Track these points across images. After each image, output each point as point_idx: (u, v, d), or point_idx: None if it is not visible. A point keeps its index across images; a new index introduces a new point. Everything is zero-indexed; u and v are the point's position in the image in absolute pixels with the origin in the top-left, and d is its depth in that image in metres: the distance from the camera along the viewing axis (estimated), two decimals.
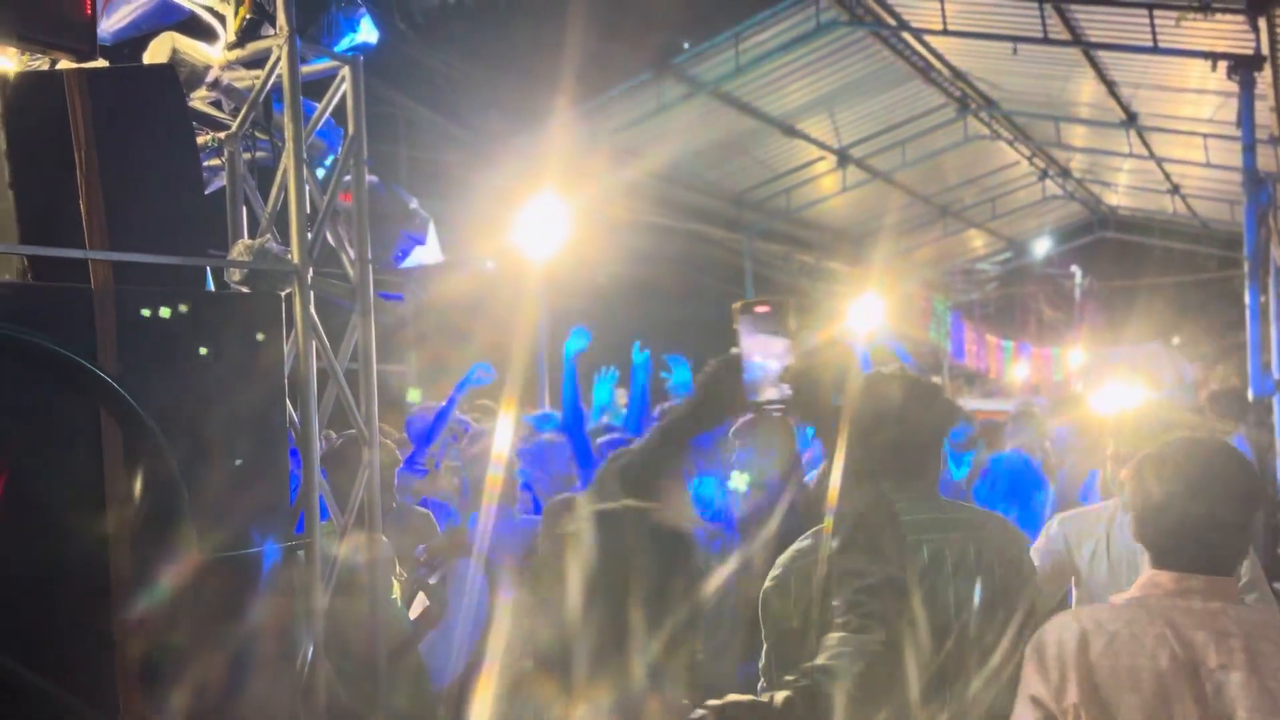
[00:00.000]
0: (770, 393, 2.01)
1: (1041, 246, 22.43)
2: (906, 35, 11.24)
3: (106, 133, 3.03)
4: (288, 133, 3.65)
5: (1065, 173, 17.12)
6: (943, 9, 10.17)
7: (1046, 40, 9.96)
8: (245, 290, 3.55)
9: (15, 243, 2.89)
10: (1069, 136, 14.87)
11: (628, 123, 11.66)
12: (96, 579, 2.85)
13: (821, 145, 13.79)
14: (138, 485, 2.93)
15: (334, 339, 3.96)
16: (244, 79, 3.89)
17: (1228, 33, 8.65)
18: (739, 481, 3.92)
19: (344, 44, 3.87)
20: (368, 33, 3.90)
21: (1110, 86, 11.57)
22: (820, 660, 1.86)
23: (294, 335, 3.67)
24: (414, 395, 11.42)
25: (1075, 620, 2.21)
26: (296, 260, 3.63)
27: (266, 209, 3.83)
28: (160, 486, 2.96)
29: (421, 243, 4.35)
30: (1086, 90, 12.09)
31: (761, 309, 1.98)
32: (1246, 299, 8.51)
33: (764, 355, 1.98)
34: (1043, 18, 9.60)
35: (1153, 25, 9.04)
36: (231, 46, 3.73)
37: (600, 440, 5.75)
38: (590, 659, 1.96)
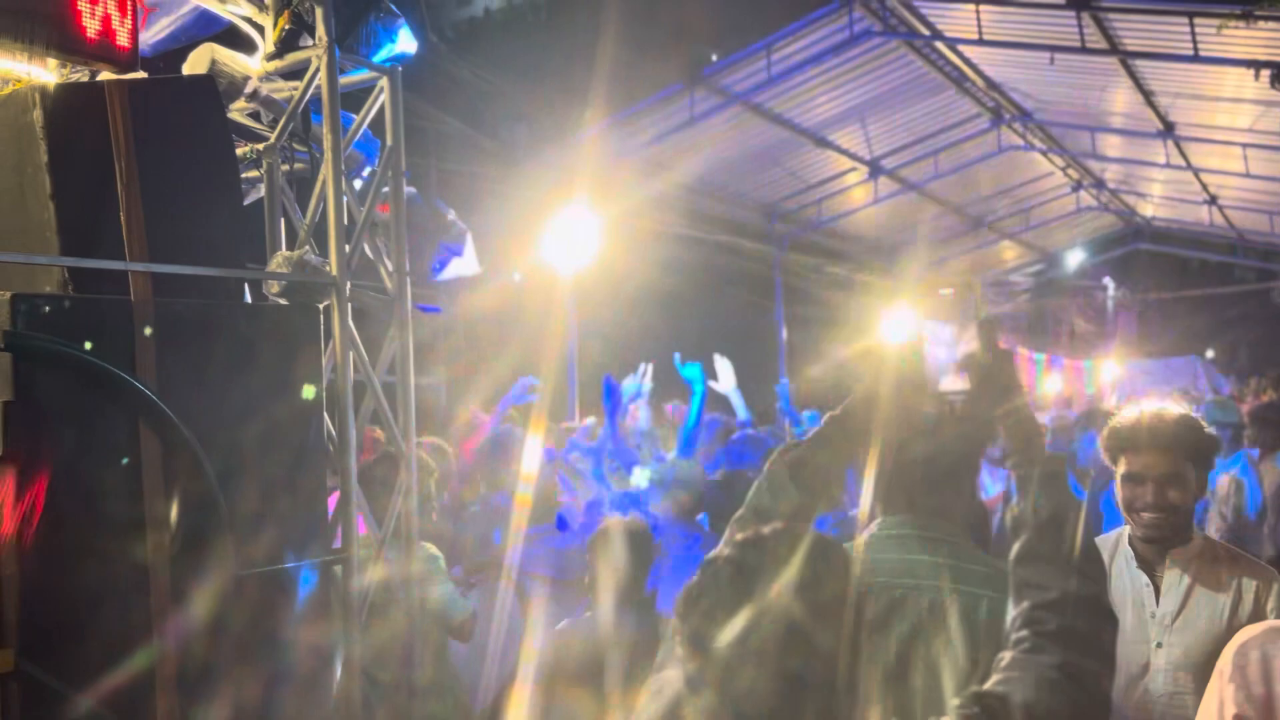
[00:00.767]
0: (951, 383, 1.87)
1: (1075, 258, 22.20)
2: (940, 45, 11.15)
3: (146, 144, 3.01)
4: (326, 144, 3.62)
5: (1100, 184, 16.94)
6: (978, 18, 10.08)
7: (1084, 50, 9.84)
8: (283, 302, 3.53)
9: (56, 254, 2.87)
10: (1104, 147, 14.71)
11: (658, 134, 11.63)
12: (135, 592, 2.82)
13: (853, 156, 13.71)
14: (176, 498, 2.91)
15: (371, 351, 3.93)
16: (282, 90, 3.87)
17: (1271, 40, 8.52)
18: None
19: (382, 54, 3.84)
20: (406, 43, 3.87)
21: (1148, 96, 11.42)
22: (991, 685, 1.65)
23: (331, 347, 3.64)
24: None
25: (1269, 631, 2.05)
26: (335, 272, 3.60)
27: (305, 220, 3.80)
28: (198, 499, 2.93)
29: (459, 254, 4.31)
30: (1123, 100, 11.95)
31: (945, 293, 1.81)
32: None
33: (939, 343, 1.87)
34: (1080, 27, 9.49)
35: (1193, 33, 8.91)
36: (270, 57, 3.71)
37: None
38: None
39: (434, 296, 5.78)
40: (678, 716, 1.66)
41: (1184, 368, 20.51)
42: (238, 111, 3.93)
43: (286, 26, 3.63)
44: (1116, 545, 2.93)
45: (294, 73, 3.79)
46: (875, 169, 14.09)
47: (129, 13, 3.06)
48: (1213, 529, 5.93)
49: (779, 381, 6.62)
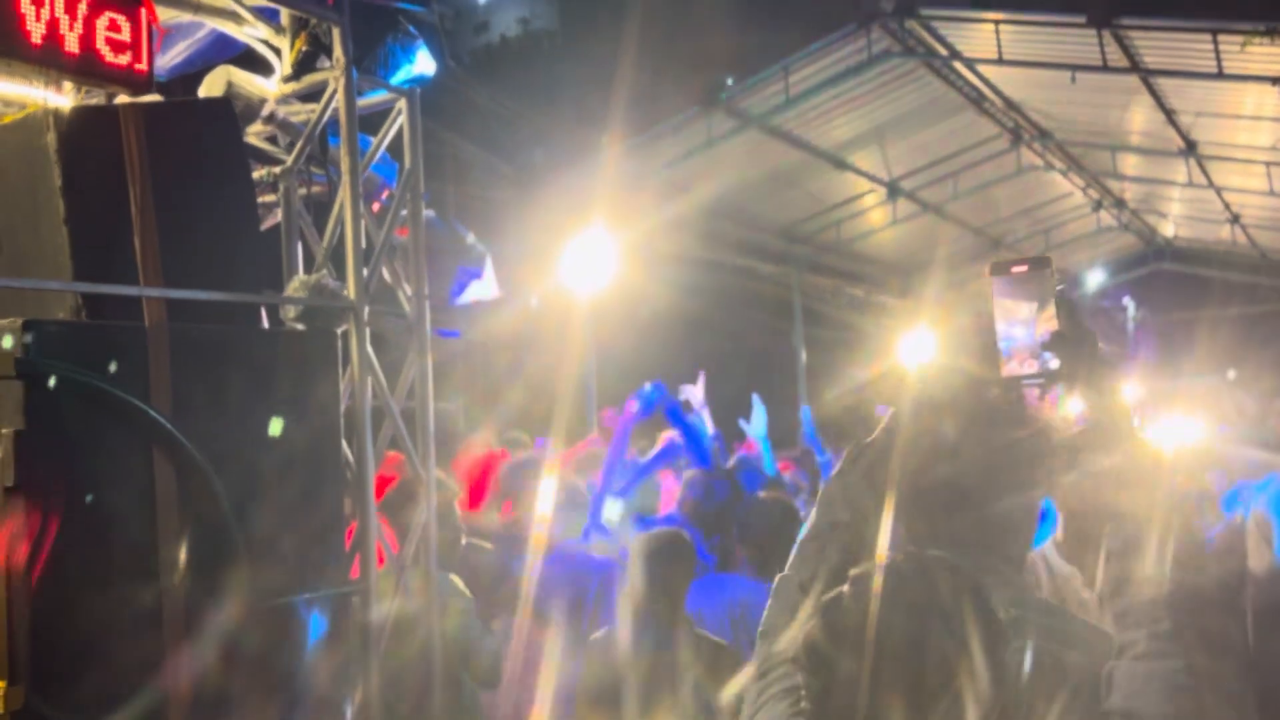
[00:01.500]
0: (1024, 366, 1.67)
1: (1095, 279, 22.03)
2: (959, 65, 11.09)
3: (162, 168, 2.97)
4: (344, 166, 3.57)
5: (1120, 203, 16.82)
6: (997, 38, 10.01)
7: (1105, 69, 9.76)
8: (300, 327, 3.47)
9: (69, 279, 2.82)
10: (1124, 166, 14.59)
11: (676, 157, 11.58)
12: (148, 625, 2.76)
13: (871, 178, 13.64)
14: (190, 528, 2.85)
15: (389, 375, 3.87)
16: (299, 113, 3.83)
17: None
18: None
19: (400, 76, 3.80)
20: (424, 64, 3.83)
21: (1169, 114, 11.33)
22: (1116, 700, 1.43)
23: (349, 373, 3.58)
24: None
25: None
26: (352, 296, 3.54)
27: (322, 244, 3.75)
28: (213, 529, 2.87)
29: (478, 277, 4.26)
30: (1143, 119, 11.85)
31: (1019, 269, 1.65)
32: None
33: (1012, 323, 1.66)
34: (1101, 45, 9.42)
35: (1217, 51, 8.82)
36: (287, 79, 3.67)
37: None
38: None
39: (453, 320, 5.73)
40: None
41: (1214, 387, 20.31)
42: (255, 135, 3.90)
43: (303, 48, 3.59)
44: None
45: (311, 95, 3.75)
46: (894, 190, 14.01)
47: (141, 35, 3.02)
48: None
49: (801, 407, 6.45)
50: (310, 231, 3.93)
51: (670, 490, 5.92)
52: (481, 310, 6.83)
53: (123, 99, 3.13)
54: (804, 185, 13.43)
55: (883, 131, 12.42)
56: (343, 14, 3.52)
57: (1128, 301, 28.83)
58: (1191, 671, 1.40)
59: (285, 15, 3.65)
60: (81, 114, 3.01)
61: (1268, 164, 12.09)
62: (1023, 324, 1.63)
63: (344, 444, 3.49)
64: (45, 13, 2.82)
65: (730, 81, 11.67)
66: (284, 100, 3.79)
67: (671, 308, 14.60)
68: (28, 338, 2.58)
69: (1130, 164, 14.49)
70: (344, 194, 3.58)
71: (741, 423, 6.62)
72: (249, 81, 3.67)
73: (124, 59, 3.01)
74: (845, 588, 1.52)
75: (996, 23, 9.87)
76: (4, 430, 2.52)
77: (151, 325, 2.85)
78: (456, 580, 4.14)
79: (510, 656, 4.57)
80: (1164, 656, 1.43)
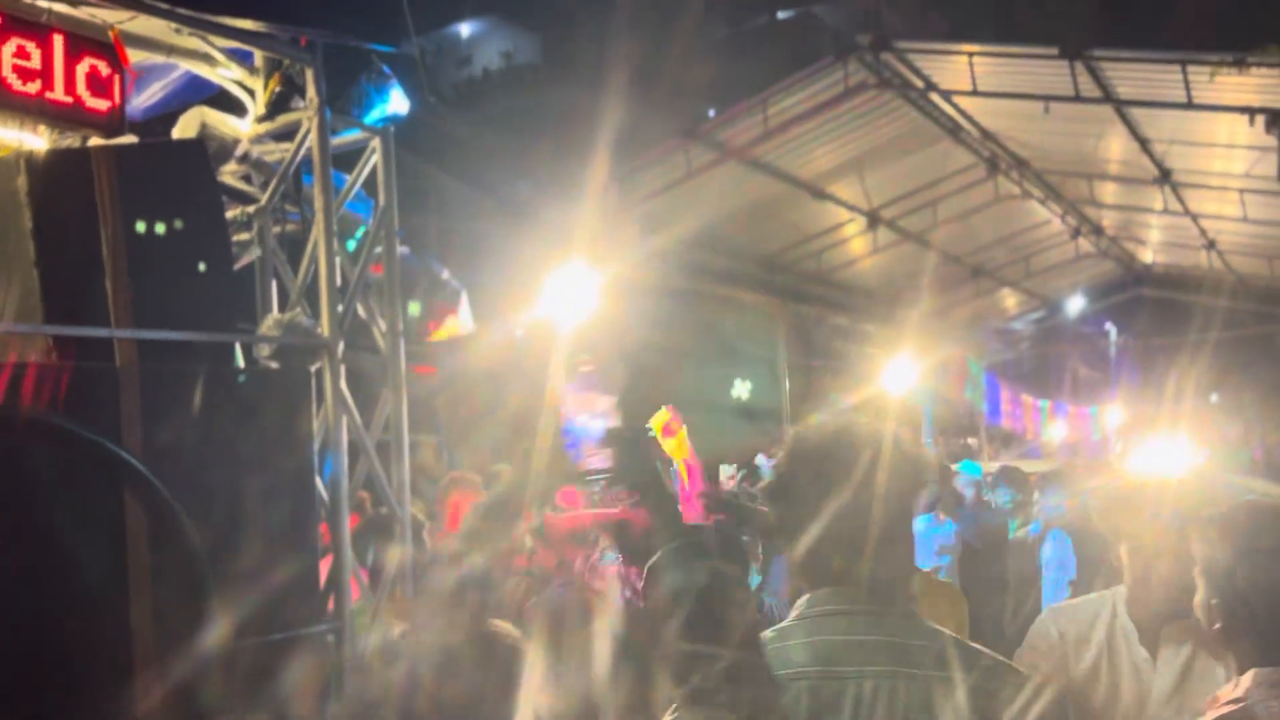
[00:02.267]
0: (593, 460, 1.81)
1: (1075, 305, 22.19)
2: (935, 96, 11.21)
3: (135, 209, 2.99)
4: (318, 205, 3.60)
5: (1098, 230, 16.97)
6: (971, 70, 10.13)
7: (1078, 99, 9.88)
8: (275, 365, 3.48)
9: (40, 322, 2.83)
10: (1101, 194, 14.74)
11: (657, 189, 11.66)
12: (120, 661, 2.75)
13: (851, 208, 13.73)
14: (162, 568, 2.84)
15: (364, 410, 3.87)
16: (273, 152, 3.86)
17: (1263, 86, 8.54)
18: None
19: (374, 115, 3.84)
20: (398, 103, 3.86)
21: (1143, 143, 11.46)
22: None
23: (324, 410, 3.59)
24: None
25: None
26: (326, 334, 3.56)
27: (296, 282, 3.77)
28: (185, 569, 2.87)
29: (454, 313, 4.28)
30: (1118, 147, 11.98)
31: (586, 367, 1.78)
32: None
33: (589, 415, 1.78)
34: (1073, 76, 9.53)
35: (1186, 81, 8.94)
36: (261, 119, 3.71)
37: None
38: None
39: (429, 356, 5.75)
40: None
41: (1197, 412, 20.42)
42: (229, 174, 3.93)
43: (277, 89, 3.63)
44: (1113, 611, 2.67)
45: (285, 134, 3.79)
46: (874, 220, 14.10)
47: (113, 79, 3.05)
48: None
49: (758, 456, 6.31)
50: (285, 269, 3.95)
51: None
52: (462, 343, 6.86)
53: (95, 141, 3.16)
54: (785, 215, 13.52)
55: (862, 162, 12.52)
56: (315, 55, 3.56)
57: (1109, 327, 29.02)
58: None
59: (259, 57, 3.69)
60: (54, 157, 3.04)
61: (1241, 191, 12.22)
62: (597, 415, 1.74)
63: (318, 480, 3.49)
64: (16, 57, 2.85)
65: (711, 113, 11.79)
66: (258, 140, 3.82)
67: (655, 338, 14.65)
68: None
69: (1107, 192, 14.64)
70: (318, 231, 3.61)
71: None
72: (223, 122, 3.70)
73: (97, 102, 3.04)
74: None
75: (970, 54, 10.00)
76: None
77: (123, 366, 2.87)
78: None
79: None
80: None
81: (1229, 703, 1.90)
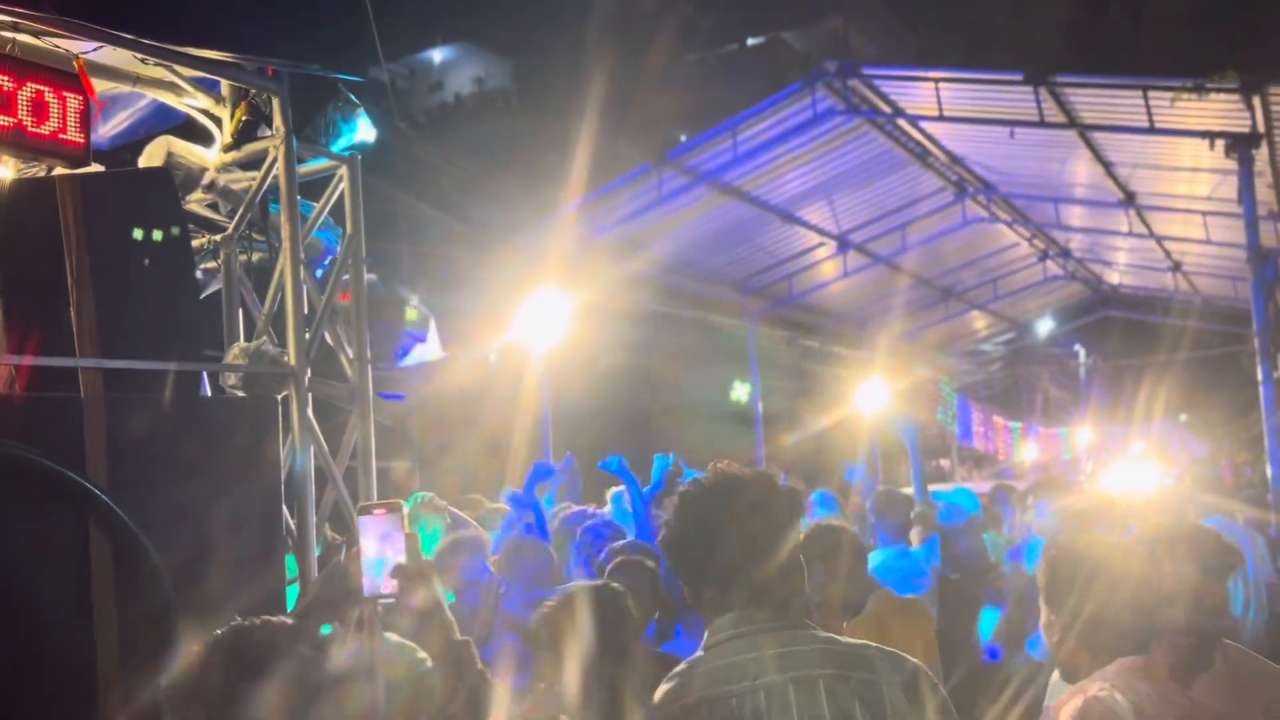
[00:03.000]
0: (381, 588, 2.07)
1: (1044, 326, 22.42)
2: (902, 122, 11.34)
3: (99, 238, 2.99)
4: (284, 233, 3.60)
5: (1065, 253, 17.17)
6: (938, 95, 10.27)
7: (1043, 124, 10.03)
8: (241, 394, 3.47)
9: (2, 352, 2.82)
10: (1068, 217, 14.93)
11: (629, 214, 11.72)
12: (84, 691, 2.72)
13: (821, 231, 13.84)
14: (127, 601, 2.82)
15: (334, 436, 3.87)
16: (240, 180, 3.86)
17: (1223, 111, 8.71)
18: None
19: (341, 143, 3.85)
20: (365, 131, 3.88)
21: (1108, 167, 11.63)
22: None
23: (291, 439, 3.58)
24: None
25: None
26: (293, 362, 3.55)
27: (263, 311, 3.77)
28: (151, 600, 2.85)
29: (422, 340, 4.28)
30: (1084, 171, 12.15)
31: (379, 511, 2.06)
32: (1259, 375, 8.41)
33: (382, 552, 2.06)
34: (1038, 101, 9.68)
35: (1148, 106, 9.10)
36: (228, 148, 3.71)
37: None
38: None
39: (397, 383, 5.74)
40: None
41: (1166, 431, 20.62)
42: (196, 202, 3.92)
43: (244, 118, 3.64)
44: None
45: (252, 163, 3.79)
46: (844, 243, 14.22)
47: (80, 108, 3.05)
48: None
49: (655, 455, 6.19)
50: (251, 298, 3.95)
51: None
52: (435, 368, 6.85)
53: (60, 170, 3.15)
54: (756, 239, 13.61)
55: (831, 186, 12.64)
56: (282, 84, 3.57)
57: (1078, 348, 29.29)
58: None
59: (225, 86, 3.70)
60: (18, 186, 3.03)
61: (1204, 213, 12.41)
62: (393, 552, 2.04)
63: (285, 510, 3.48)
64: None
65: (682, 138, 11.87)
66: (225, 168, 3.82)
67: (628, 361, 14.66)
68: None
69: (1074, 215, 14.83)
70: (284, 260, 3.61)
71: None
72: (189, 151, 3.71)
73: (61, 132, 3.03)
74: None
75: (936, 80, 10.14)
76: None
77: (87, 396, 2.86)
78: (393, 636, 4.11)
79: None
80: None
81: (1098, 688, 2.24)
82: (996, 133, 10.84)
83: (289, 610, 2.19)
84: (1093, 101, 9.79)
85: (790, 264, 14.69)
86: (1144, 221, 13.71)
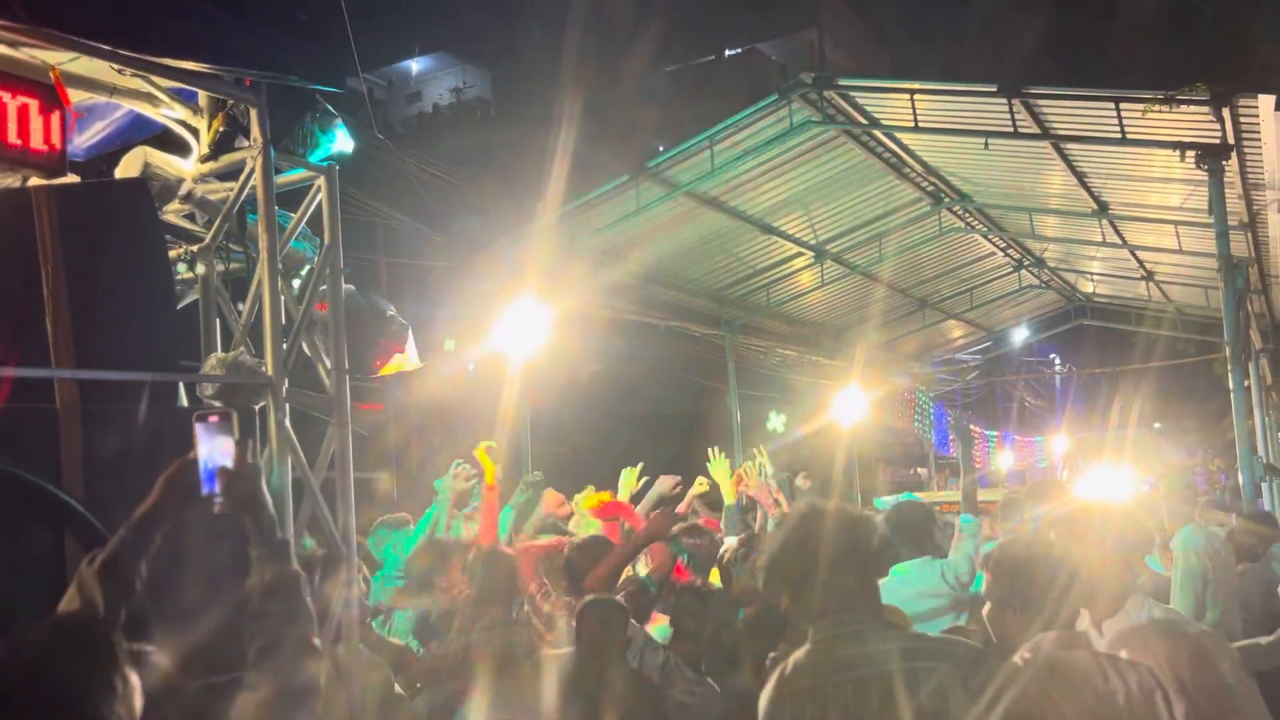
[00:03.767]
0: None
1: (1020, 335, 22.57)
2: (878, 133, 11.41)
3: (75, 248, 2.98)
4: (262, 244, 3.61)
5: (1040, 262, 17.30)
6: (913, 106, 10.34)
7: (1016, 135, 10.11)
8: (218, 405, 3.47)
9: None
10: (1042, 227, 15.04)
11: (607, 224, 11.73)
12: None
13: (798, 242, 13.89)
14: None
15: (313, 446, 3.86)
16: (217, 191, 3.87)
17: (1193, 123, 8.80)
18: None
19: (319, 154, 3.85)
20: (343, 142, 3.89)
21: (1081, 178, 11.73)
22: None
23: (269, 449, 3.58)
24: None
25: None
26: (271, 373, 3.55)
27: (240, 321, 3.76)
28: (126, 614, 2.83)
29: (400, 349, 4.29)
30: (1058, 182, 12.25)
31: (214, 418, 2.28)
32: (1230, 384, 8.50)
33: (217, 458, 2.30)
34: (1012, 113, 9.76)
35: (1120, 117, 9.19)
36: (205, 159, 3.71)
37: None
38: None
39: (375, 393, 5.74)
40: None
41: (1140, 439, 20.82)
42: (173, 213, 3.92)
43: (221, 128, 3.64)
44: None
45: (229, 174, 3.79)
46: (821, 253, 14.27)
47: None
48: None
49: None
50: (229, 308, 3.95)
51: None
52: (412, 378, 6.85)
53: (36, 181, 3.15)
54: (733, 249, 13.65)
55: (808, 196, 12.69)
56: (259, 95, 3.58)
57: (1054, 357, 29.53)
58: None
59: (202, 96, 3.70)
60: None
61: (1176, 223, 12.53)
62: (224, 457, 2.29)
63: None
64: None
65: (660, 149, 11.90)
66: (202, 179, 3.82)
67: (607, 371, 14.71)
68: None
69: (1048, 225, 14.94)
70: (262, 270, 3.61)
71: None
72: (166, 161, 3.70)
73: (37, 143, 3.03)
74: None
75: (911, 92, 10.21)
76: None
77: (63, 407, 2.85)
78: (364, 649, 4.12)
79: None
80: None
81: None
82: (971, 144, 10.91)
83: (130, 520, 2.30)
84: (1065, 112, 9.88)
85: (768, 274, 14.74)
86: (1117, 232, 13.83)
